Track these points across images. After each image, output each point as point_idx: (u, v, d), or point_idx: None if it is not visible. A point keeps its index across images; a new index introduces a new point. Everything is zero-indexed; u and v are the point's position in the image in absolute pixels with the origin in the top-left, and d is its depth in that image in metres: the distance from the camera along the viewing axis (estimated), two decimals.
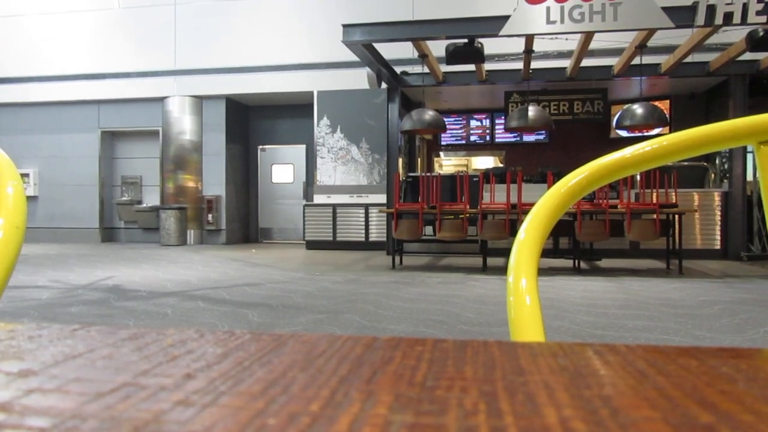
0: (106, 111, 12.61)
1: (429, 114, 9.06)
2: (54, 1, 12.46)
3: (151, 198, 12.76)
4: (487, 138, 12.77)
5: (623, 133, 10.90)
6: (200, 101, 12.07)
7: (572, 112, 11.14)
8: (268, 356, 0.31)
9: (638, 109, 8.59)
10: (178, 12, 11.89)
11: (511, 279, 0.73)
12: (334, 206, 10.86)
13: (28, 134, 12.71)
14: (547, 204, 0.83)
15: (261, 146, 12.96)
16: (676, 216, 7.44)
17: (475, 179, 9.20)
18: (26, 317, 4.56)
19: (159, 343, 0.34)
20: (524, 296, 0.71)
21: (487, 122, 12.71)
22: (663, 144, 0.84)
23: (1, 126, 12.20)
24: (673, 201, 7.65)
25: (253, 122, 13.01)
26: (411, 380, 0.26)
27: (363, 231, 10.77)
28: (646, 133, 10.69)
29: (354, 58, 8.84)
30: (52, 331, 0.37)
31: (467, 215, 7.52)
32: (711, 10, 6.80)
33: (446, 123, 9.74)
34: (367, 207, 10.72)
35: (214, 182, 12.15)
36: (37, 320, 4.52)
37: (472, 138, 12.86)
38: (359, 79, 10.12)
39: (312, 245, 10.92)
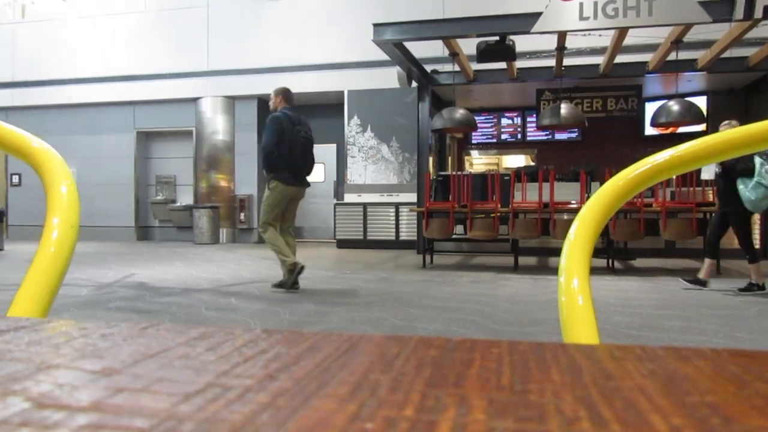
0: (141, 112, 12.84)
1: (459, 112, 9.02)
2: (91, 4, 12.73)
3: (185, 197, 12.95)
4: (519, 136, 12.66)
5: (656, 131, 10.70)
6: (232, 101, 12.20)
7: (605, 109, 10.97)
8: (343, 357, 0.31)
9: (674, 106, 8.43)
10: (211, 14, 12.05)
11: (563, 279, 0.72)
12: (365, 205, 10.88)
13: (67, 135, 12.99)
14: (596, 204, 0.81)
15: None
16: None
17: (506, 178, 9.12)
18: (66, 313, 4.66)
19: (231, 343, 0.34)
20: (576, 297, 0.69)
21: (518, 120, 12.60)
22: (719, 140, 0.82)
23: (44, 127, 12.47)
24: (711, 199, 7.47)
25: None
26: (498, 384, 0.25)
27: (393, 230, 10.77)
28: (679, 131, 10.47)
29: (384, 57, 8.84)
30: (123, 330, 0.38)
31: (498, 214, 7.47)
32: (750, 3, 6.62)
33: (477, 121, 9.69)
34: (397, 206, 10.71)
35: (246, 181, 12.28)
36: (79, 317, 4.63)
37: (503, 136, 12.77)
38: (390, 78, 10.11)
39: (343, 244, 10.95)
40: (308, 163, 5.80)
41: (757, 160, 5.32)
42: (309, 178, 5.91)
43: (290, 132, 5.48)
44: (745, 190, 5.37)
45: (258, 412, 0.22)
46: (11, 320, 0.41)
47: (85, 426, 0.21)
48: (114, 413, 0.22)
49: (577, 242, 0.75)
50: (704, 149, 0.85)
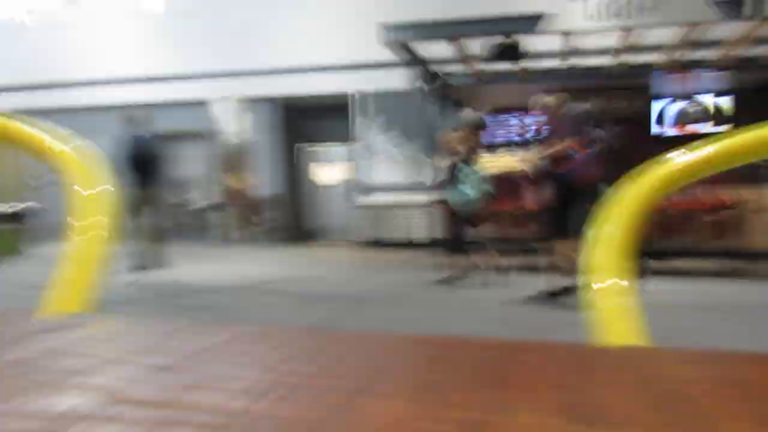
0: (156, 114, 12.84)
1: (470, 112, 8.98)
2: (102, 7, 12.80)
3: (201, 198, 12.97)
4: (527, 136, 12.58)
5: (665, 131, 10.60)
6: (247, 103, 12.24)
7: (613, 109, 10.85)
8: (388, 357, 0.31)
9: (682, 105, 8.36)
10: (223, 15, 12.10)
11: (600, 279, 0.72)
12: (379, 206, 10.89)
13: (83, 138, 13.03)
14: (630, 199, 0.80)
15: (307, 147, 13.07)
16: (737, 216, 7.16)
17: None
18: (102, 310, 4.68)
19: (282, 340, 0.34)
20: (616, 297, 0.69)
21: (527, 120, 12.52)
22: (754, 137, 0.81)
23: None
24: (735, 200, 7.35)
25: (299, 123, 13.07)
26: (547, 384, 0.25)
27: (409, 231, 10.74)
28: (689, 130, 10.37)
29: (395, 58, 8.85)
30: (173, 325, 0.38)
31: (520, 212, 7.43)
32: (759, 1, 6.54)
33: (487, 122, 9.64)
34: (413, 207, 10.67)
35: (262, 183, 12.31)
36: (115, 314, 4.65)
37: (513, 136, 12.70)
38: (401, 78, 10.11)
39: (359, 245, 10.95)
40: (152, 173, 7.28)
41: (464, 171, 6.28)
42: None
43: (135, 150, 7.27)
44: (455, 194, 6.30)
45: (314, 409, 0.23)
46: (61, 317, 0.42)
47: (152, 420, 0.22)
48: (177, 408, 0.23)
49: (610, 241, 0.75)
50: (739, 146, 0.84)
